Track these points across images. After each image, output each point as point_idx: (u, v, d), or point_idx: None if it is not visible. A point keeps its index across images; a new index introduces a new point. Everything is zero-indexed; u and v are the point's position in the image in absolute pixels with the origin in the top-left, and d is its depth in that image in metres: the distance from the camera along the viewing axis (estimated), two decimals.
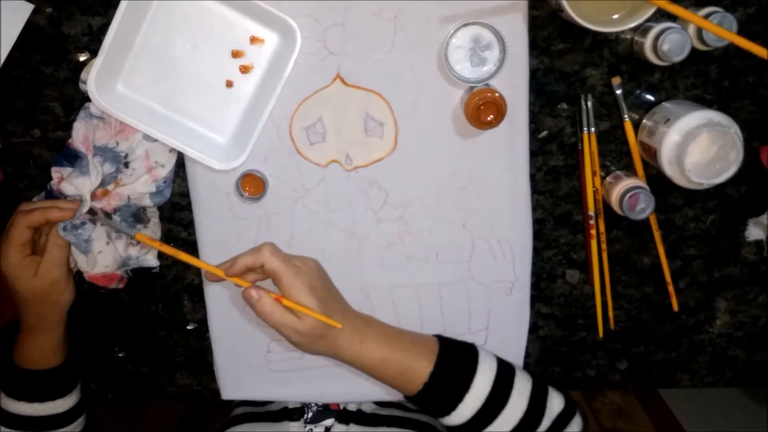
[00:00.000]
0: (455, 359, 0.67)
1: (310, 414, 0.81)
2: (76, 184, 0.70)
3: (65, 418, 0.76)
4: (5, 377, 0.74)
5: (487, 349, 0.70)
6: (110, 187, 0.73)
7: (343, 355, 0.64)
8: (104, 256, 0.73)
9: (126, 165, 0.73)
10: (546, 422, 0.66)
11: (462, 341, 0.70)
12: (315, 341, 0.63)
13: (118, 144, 0.72)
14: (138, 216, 0.75)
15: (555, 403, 0.68)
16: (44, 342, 0.73)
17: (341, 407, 0.82)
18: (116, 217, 0.73)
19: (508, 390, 0.66)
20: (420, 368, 0.65)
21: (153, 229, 0.76)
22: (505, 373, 0.67)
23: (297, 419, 0.80)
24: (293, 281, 0.61)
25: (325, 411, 0.82)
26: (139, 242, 0.74)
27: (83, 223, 0.71)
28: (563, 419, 0.67)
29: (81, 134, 0.71)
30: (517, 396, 0.66)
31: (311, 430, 0.78)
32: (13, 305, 0.73)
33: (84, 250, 0.72)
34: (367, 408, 0.81)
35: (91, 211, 0.71)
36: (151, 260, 0.77)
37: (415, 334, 0.69)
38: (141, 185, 0.73)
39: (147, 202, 0.74)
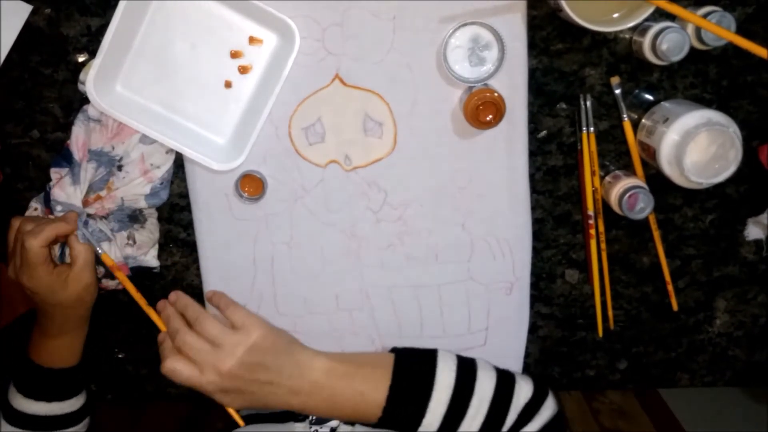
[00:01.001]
0: (411, 373, 0.67)
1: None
2: (68, 192, 0.71)
3: (76, 416, 0.76)
4: (23, 377, 0.74)
5: (450, 353, 0.70)
6: (102, 193, 0.73)
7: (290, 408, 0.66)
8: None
9: (119, 168, 0.73)
10: (512, 415, 0.66)
11: (422, 349, 0.70)
12: (247, 411, 0.64)
13: (113, 148, 0.72)
14: (134, 216, 0.75)
15: (522, 393, 0.68)
16: (75, 341, 0.74)
17: None
18: (100, 224, 0.73)
19: (466, 401, 0.66)
20: (375, 396, 0.65)
21: (150, 229, 0.76)
22: (463, 384, 0.67)
23: (302, 419, 0.80)
24: (201, 387, 0.62)
25: None
26: (135, 242, 0.75)
27: (86, 222, 0.71)
28: (531, 407, 0.67)
29: (76, 139, 0.71)
30: (477, 403, 0.66)
31: (316, 430, 0.78)
32: (13, 305, 0.73)
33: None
34: None
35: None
36: (151, 261, 0.77)
37: (368, 365, 0.69)
38: (135, 187, 0.73)
39: (142, 203, 0.74)
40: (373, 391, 0.66)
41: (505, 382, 0.68)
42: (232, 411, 0.67)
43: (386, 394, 0.65)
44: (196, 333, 0.64)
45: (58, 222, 0.69)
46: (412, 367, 0.68)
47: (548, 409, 0.68)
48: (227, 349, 0.63)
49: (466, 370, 0.68)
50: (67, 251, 0.71)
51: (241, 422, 0.70)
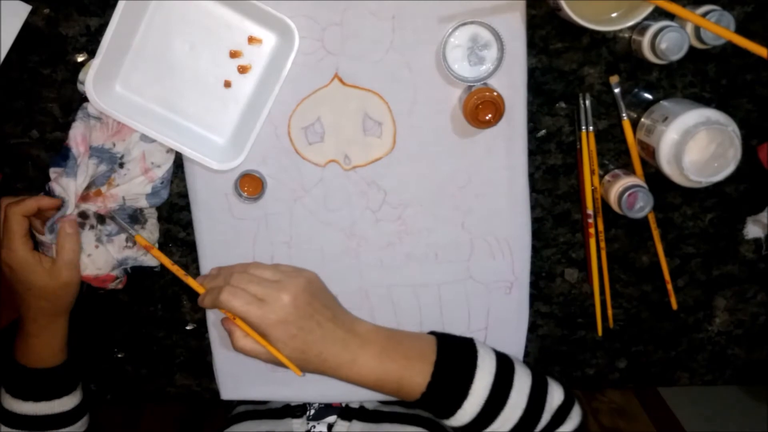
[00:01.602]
0: (453, 366, 0.67)
1: (313, 411, 0.81)
2: (62, 184, 0.70)
3: (71, 415, 0.76)
4: (10, 379, 0.74)
5: (486, 346, 0.70)
6: (103, 189, 0.73)
7: (333, 376, 0.65)
8: (94, 260, 0.73)
9: (121, 165, 0.73)
10: (546, 416, 0.67)
11: (461, 338, 0.70)
12: (299, 365, 0.64)
13: (114, 145, 0.72)
14: (135, 217, 0.75)
15: (555, 396, 0.68)
16: (54, 339, 0.74)
17: (343, 404, 0.82)
18: (117, 218, 0.73)
19: (507, 390, 0.66)
20: (415, 384, 0.65)
21: (151, 229, 0.76)
22: (504, 374, 0.67)
23: (300, 416, 0.80)
24: (257, 322, 0.62)
25: (328, 408, 0.82)
26: (135, 244, 0.74)
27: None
28: (563, 411, 0.68)
29: (78, 134, 0.71)
30: (517, 395, 0.66)
31: (314, 427, 0.78)
32: (13, 306, 0.73)
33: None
34: (370, 404, 0.81)
35: (83, 215, 0.71)
36: (150, 260, 0.77)
37: (411, 340, 0.69)
38: (136, 186, 0.73)
39: (143, 203, 0.74)
40: (414, 380, 0.65)
41: (540, 380, 0.69)
42: (291, 364, 0.64)
43: (428, 382, 0.65)
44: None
45: (42, 196, 0.69)
46: (455, 358, 0.68)
47: (577, 415, 0.69)
48: (288, 282, 0.64)
49: (505, 362, 0.69)
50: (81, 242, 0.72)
51: (298, 372, 0.66)
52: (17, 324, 0.74)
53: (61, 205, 0.70)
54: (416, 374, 0.65)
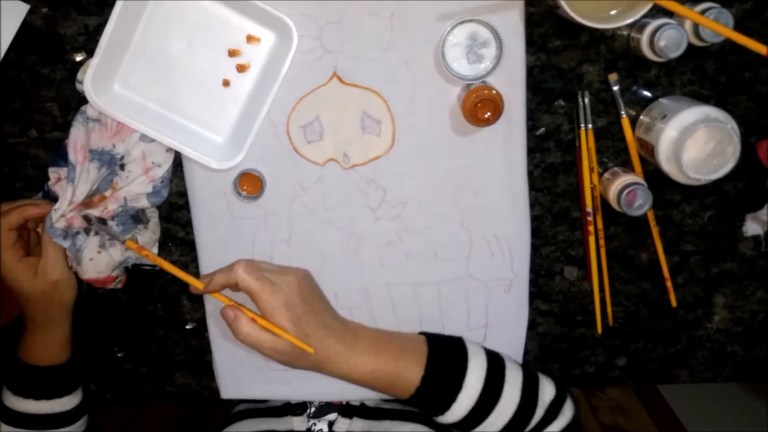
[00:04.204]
0: (445, 361, 0.67)
1: (313, 409, 0.81)
2: (60, 192, 0.71)
3: (70, 416, 0.76)
4: (12, 375, 0.74)
5: (474, 342, 0.71)
6: (107, 193, 0.73)
7: (330, 372, 0.65)
8: (95, 264, 0.73)
9: (122, 167, 0.73)
10: (540, 411, 0.67)
11: (449, 337, 0.71)
12: (296, 359, 0.64)
13: (114, 146, 0.72)
14: (137, 217, 0.75)
15: (547, 390, 0.69)
16: (52, 339, 0.74)
17: (344, 402, 0.82)
18: (111, 223, 0.73)
19: (500, 384, 0.66)
20: (410, 375, 0.66)
21: (153, 229, 0.76)
22: (495, 369, 0.67)
23: (300, 414, 0.80)
24: (267, 299, 0.61)
25: (328, 405, 0.82)
26: (138, 244, 0.74)
27: (77, 233, 0.71)
28: (556, 405, 0.68)
29: (75, 141, 0.71)
30: (510, 389, 0.66)
31: (314, 424, 0.78)
32: (13, 305, 0.73)
33: (75, 258, 0.72)
34: (371, 402, 0.81)
35: (87, 219, 0.71)
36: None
37: (403, 339, 0.70)
38: (137, 186, 0.73)
39: (144, 202, 0.74)
40: (407, 377, 0.66)
41: (531, 377, 0.69)
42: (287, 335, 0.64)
43: (420, 378, 0.66)
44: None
45: (29, 205, 0.69)
46: (445, 357, 0.68)
47: (569, 409, 0.69)
48: (289, 269, 0.66)
49: (496, 359, 0.69)
50: (83, 246, 0.72)
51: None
52: (18, 322, 0.74)
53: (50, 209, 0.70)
54: (410, 366, 0.66)
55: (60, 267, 0.71)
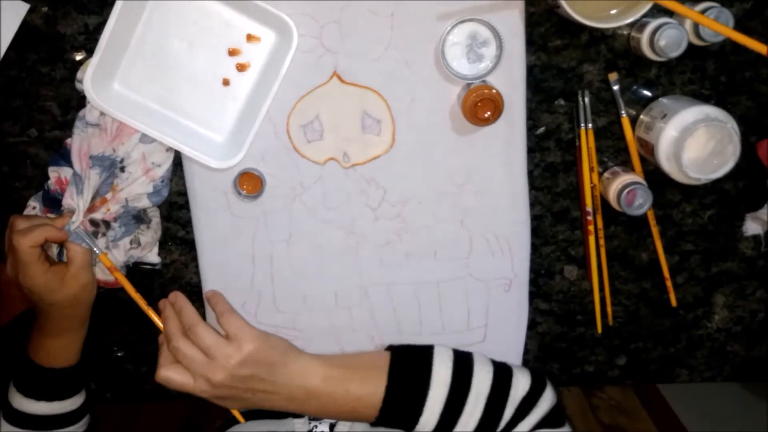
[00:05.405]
0: (409, 360, 0.68)
1: None
2: (70, 203, 0.71)
3: (75, 416, 0.76)
4: (24, 378, 0.74)
5: (445, 350, 0.71)
6: (108, 196, 0.73)
7: (293, 404, 0.68)
8: (101, 267, 0.73)
9: (122, 170, 0.73)
10: (509, 410, 0.67)
11: (417, 347, 0.71)
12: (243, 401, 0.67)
13: (114, 150, 0.72)
14: (139, 217, 0.75)
15: (520, 386, 0.68)
16: (75, 341, 0.74)
17: None
18: (114, 225, 0.73)
19: (463, 398, 0.67)
20: (373, 384, 0.66)
21: (155, 228, 0.76)
22: (459, 381, 0.67)
23: (300, 416, 0.80)
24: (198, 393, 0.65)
25: None
26: (140, 245, 0.74)
27: (94, 234, 0.71)
28: (529, 401, 0.68)
29: (79, 149, 0.71)
30: (474, 399, 0.66)
31: (315, 426, 0.78)
32: (13, 305, 0.73)
33: (93, 260, 0.72)
34: None
35: (93, 223, 0.71)
36: (153, 258, 0.77)
37: (361, 356, 0.71)
38: (138, 186, 0.73)
39: (145, 202, 0.74)
40: (370, 394, 0.67)
41: (502, 376, 0.69)
42: (234, 411, 0.68)
43: (383, 396, 0.66)
44: (189, 341, 0.65)
45: (50, 226, 0.68)
46: (408, 367, 0.68)
47: (546, 401, 0.68)
48: (219, 361, 0.64)
49: (463, 366, 0.69)
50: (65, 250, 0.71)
51: (241, 419, 0.71)
52: (17, 322, 0.74)
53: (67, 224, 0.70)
54: (372, 380, 0.67)
55: (88, 270, 0.71)
